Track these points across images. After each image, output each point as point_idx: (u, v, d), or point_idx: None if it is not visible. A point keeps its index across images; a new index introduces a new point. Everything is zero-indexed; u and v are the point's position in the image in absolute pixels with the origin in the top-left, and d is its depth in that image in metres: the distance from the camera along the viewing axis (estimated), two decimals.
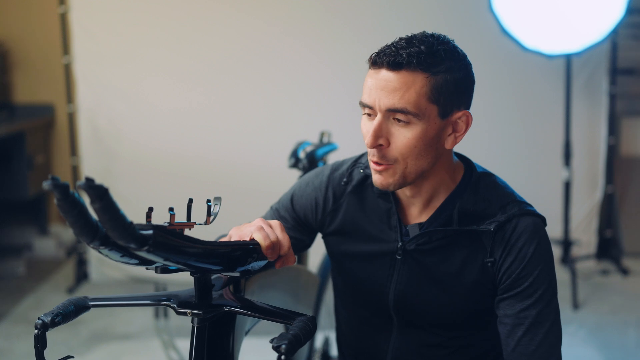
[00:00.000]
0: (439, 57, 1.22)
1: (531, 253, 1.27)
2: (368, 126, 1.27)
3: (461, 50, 1.27)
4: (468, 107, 1.29)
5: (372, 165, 1.29)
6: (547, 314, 1.28)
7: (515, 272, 1.27)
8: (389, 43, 1.25)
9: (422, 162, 1.26)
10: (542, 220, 1.32)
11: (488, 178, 1.36)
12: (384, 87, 1.22)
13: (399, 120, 1.23)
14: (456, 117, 1.27)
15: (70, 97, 3.66)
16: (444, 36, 1.27)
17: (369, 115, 1.27)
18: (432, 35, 1.25)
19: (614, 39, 3.63)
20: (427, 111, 1.22)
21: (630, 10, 3.30)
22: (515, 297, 1.28)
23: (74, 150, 3.74)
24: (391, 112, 1.23)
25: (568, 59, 3.37)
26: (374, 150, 1.25)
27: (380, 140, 1.24)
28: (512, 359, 1.29)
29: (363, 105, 1.27)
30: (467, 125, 1.29)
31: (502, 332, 1.31)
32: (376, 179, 1.29)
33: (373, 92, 1.23)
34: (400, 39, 1.25)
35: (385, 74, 1.22)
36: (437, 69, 1.22)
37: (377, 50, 1.25)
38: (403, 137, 1.23)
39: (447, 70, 1.23)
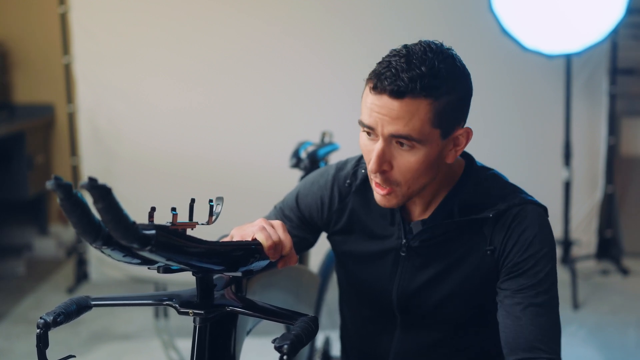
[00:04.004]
0: (441, 78, 1.18)
1: (532, 236, 1.27)
2: (369, 146, 1.25)
3: (460, 61, 1.23)
4: (466, 117, 1.28)
5: (374, 186, 1.29)
6: (547, 299, 1.26)
7: (517, 255, 1.27)
8: (387, 60, 1.20)
9: (424, 180, 1.26)
10: (544, 210, 1.31)
11: (488, 170, 1.36)
12: (387, 114, 1.19)
13: (401, 145, 1.22)
14: (458, 133, 1.26)
15: (70, 97, 3.66)
16: (441, 45, 1.23)
17: (369, 134, 1.25)
18: (430, 48, 1.20)
19: (614, 39, 3.63)
20: (430, 136, 1.21)
21: (630, 10, 3.29)
22: (515, 279, 1.27)
23: (74, 150, 3.74)
24: (394, 137, 1.21)
25: (568, 59, 3.38)
26: (376, 174, 1.25)
27: (384, 166, 1.23)
28: (511, 341, 1.26)
29: (363, 125, 1.24)
30: (468, 139, 1.28)
31: (500, 315, 1.28)
32: (379, 199, 1.29)
33: (374, 115, 1.21)
34: (399, 56, 1.19)
35: (387, 101, 1.19)
36: (440, 92, 1.18)
37: (376, 69, 1.21)
38: (406, 161, 1.22)
39: (449, 92, 1.20)
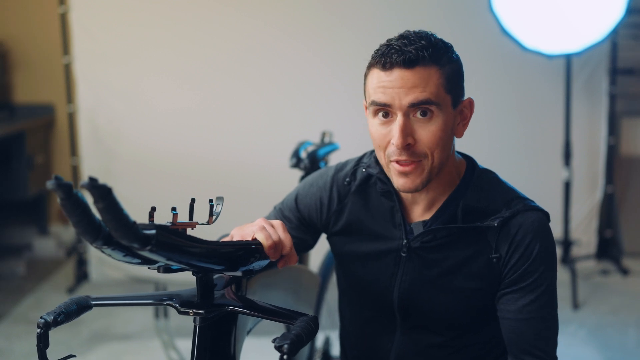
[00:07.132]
0: (442, 49, 1.25)
1: (537, 250, 1.28)
2: (382, 130, 1.26)
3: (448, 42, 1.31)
4: (464, 91, 1.32)
5: (396, 168, 1.27)
6: (549, 308, 1.30)
7: (522, 268, 1.28)
8: (386, 44, 1.25)
9: (444, 155, 1.27)
10: (546, 216, 1.33)
11: (490, 174, 1.37)
12: (403, 85, 1.22)
13: (420, 116, 1.23)
14: (462, 106, 1.30)
15: (70, 97, 3.66)
16: (430, 31, 1.29)
17: (384, 116, 1.25)
18: (420, 31, 1.27)
19: (614, 39, 3.63)
20: (445, 101, 1.25)
21: (630, 10, 3.30)
22: (518, 291, 1.29)
23: (74, 150, 3.74)
24: (412, 108, 1.23)
25: (568, 59, 3.38)
26: (400, 151, 1.24)
27: (408, 139, 1.24)
28: (514, 352, 1.30)
29: (378, 105, 1.25)
30: (471, 112, 1.32)
31: (503, 326, 1.31)
32: (402, 182, 1.27)
33: (389, 91, 1.23)
34: (395, 39, 1.25)
35: (400, 73, 1.22)
36: (444, 61, 1.24)
37: (378, 53, 1.25)
38: (428, 131, 1.24)
39: (450, 61, 1.26)
